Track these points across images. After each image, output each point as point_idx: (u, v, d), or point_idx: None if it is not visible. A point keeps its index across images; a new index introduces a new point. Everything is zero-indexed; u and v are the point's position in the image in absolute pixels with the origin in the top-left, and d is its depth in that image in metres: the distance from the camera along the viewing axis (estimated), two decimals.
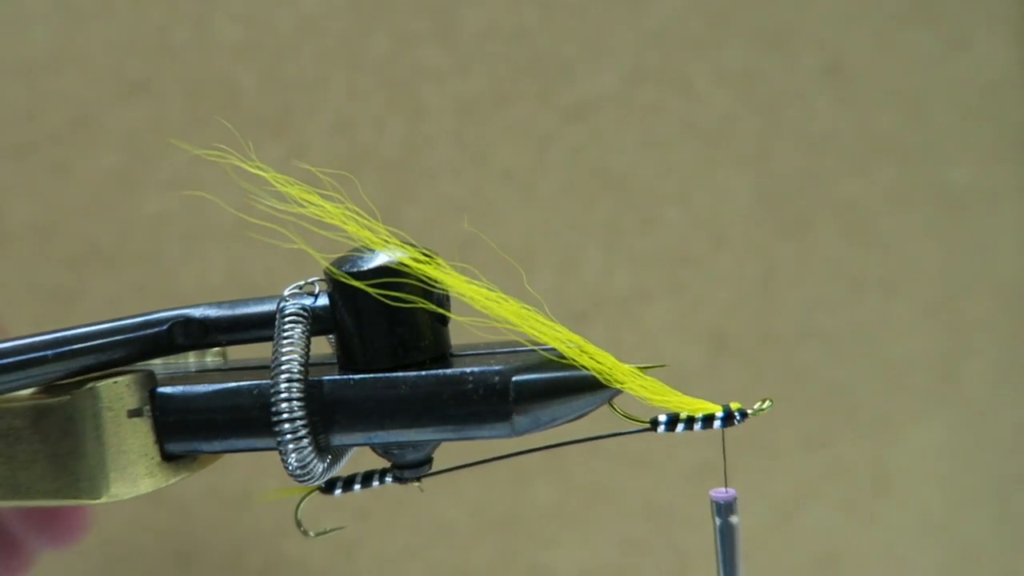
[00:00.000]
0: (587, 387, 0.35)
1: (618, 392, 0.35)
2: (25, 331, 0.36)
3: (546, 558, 0.73)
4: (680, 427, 0.35)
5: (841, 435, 0.76)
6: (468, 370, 0.34)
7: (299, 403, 0.33)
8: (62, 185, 0.69)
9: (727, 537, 0.36)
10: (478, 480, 0.73)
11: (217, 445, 0.36)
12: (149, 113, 0.70)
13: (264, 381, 0.35)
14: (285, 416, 0.33)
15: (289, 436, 0.33)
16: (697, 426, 0.35)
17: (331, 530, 0.41)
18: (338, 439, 0.35)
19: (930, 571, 0.77)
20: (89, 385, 0.34)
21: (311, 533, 0.41)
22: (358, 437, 0.35)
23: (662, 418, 0.35)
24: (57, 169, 0.70)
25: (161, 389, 0.36)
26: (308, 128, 0.72)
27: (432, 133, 0.73)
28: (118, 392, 0.35)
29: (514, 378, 0.33)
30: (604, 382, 0.34)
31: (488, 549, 0.73)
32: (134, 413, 0.35)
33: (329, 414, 0.34)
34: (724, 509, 0.36)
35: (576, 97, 0.75)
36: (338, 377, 0.35)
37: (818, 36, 0.77)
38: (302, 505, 0.39)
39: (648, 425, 0.36)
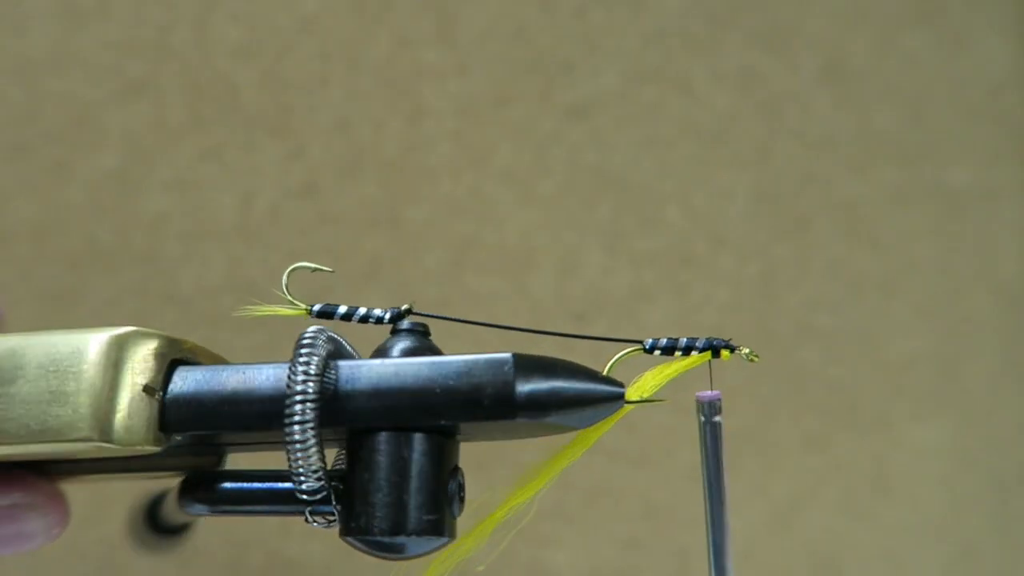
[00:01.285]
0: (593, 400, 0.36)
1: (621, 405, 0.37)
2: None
3: (546, 558, 0.73)
4: (671, 353, 0.38)
5: (841, 435, 0.76)
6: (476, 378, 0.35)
7: (314, 388, 0.34)
8: (62, 185, 0.69)
9: (712, 437, 0.39)
10: (478, 479, 0.73)
11: (219, 431, 0.36)
12: (149, 113, 0.70)
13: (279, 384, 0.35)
14: (298, 401, 0.34)
15: (299, 443, 0.33)
16: (681, 352, 0.38)
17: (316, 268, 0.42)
18: (346, 423, 0.36)
19: (930, 571, 0.77)
20: (117, 333, 0.35)
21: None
22: (366, 422, 0.35)
23: (661, 341, 0.38)
24: (57, 169, 0.70)
25: (178, 375, 0.36)
26: (308, 128, 0.72)
27: (432, 133, 0.73)
28: (143, 356, 0.35)
29: (519, 388, 0.35)
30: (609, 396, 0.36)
31: (488, 549, 0.73)
32: (148, 390, 0.35)
33: (340, 399, 0.35)
34: (709, 408, 0.38)
35: (576, 97, 0.75)
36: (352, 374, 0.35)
37: (818, 36, 0.77)
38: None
39: (641, 346, 0.38)
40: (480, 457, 0.42)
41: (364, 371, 0.35)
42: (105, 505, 0.68)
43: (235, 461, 0.43)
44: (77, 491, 0.70)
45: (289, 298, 0.39)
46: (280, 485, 0.37)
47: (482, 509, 0.40)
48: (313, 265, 0.41)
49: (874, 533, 0.77)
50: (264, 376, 0.35)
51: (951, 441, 0.78)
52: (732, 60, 0.76)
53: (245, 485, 0.38)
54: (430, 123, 0.73)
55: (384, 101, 0.73)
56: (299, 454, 0.33)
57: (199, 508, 0.39)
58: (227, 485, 0.39)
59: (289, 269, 0.40)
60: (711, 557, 0.39)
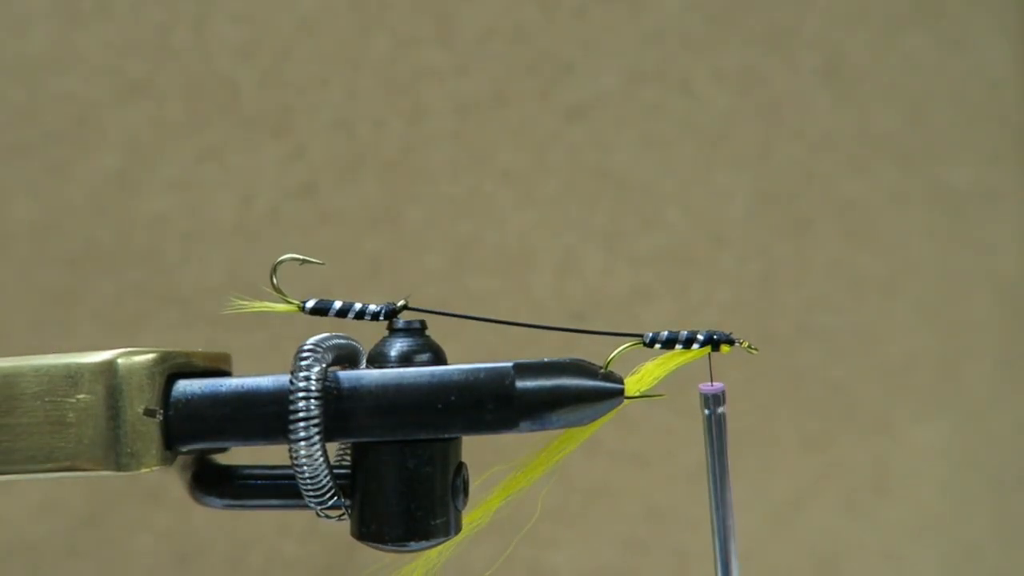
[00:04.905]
0: (593, 396, 0.36)
1: (621, 401, 0.37)
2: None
3: (546, 558, 0.73)
4: (671, 346, 0.38)
5: (841, 435, 0.76)
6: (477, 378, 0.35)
7: (316, 402, 0.34)
8: (62, 185, 0.69)
9: (716, 429, 0.38)
10: (476, 478, 0.73)
11: (225, 444, 0.36)
12: (149, 113, 0.70)
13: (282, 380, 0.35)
14: (302, 415, 0.33)
15: (303, 435, 0.33)
16: (681, 345, 0.38)
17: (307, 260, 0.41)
18: (350, 438, 0.36)
19: (930, 571, 0.77)
20: (108, 359, 0.34)
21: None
22: (370, 437, 0.35)
23: (661, 335, 0.38)
24: (57, 169, 0.70)
25: (177, 391, 0.36)
26: (308, 128, 0.72)
27: (432, 133, 0.73)
28: (139, 377, 0.35)
29: (520, 401, 0.34)
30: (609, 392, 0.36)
31: (488, 549, 0.73)
32: (148, 413, 0.35)
33: (343, 416, 0.35)
34: (712, 400, 0.38)
35: (576, 97, 0.75)
36: (355, 384, 0.35)
37: (818, 36, 0.77)
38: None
39: (641, 340, 0.38)
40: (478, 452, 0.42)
41: (364, 384, 0.35)
42: (105, 505, 0.68)
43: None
44: (77, 491, 0.70)
45: (280, 293, 0.39)
46: (294, 482, 0.37)
47: (481, 496, 0.40)
48: (302, 257, 0.40)
49: (874, 533, 0.77)
50: (265, 386, 0.35)
51: (951, 441, 0.77)
52: (732, 60, 0.76)
53: (258, 481, 0.38)
54: (430, 123, 0.73)
55: (384, 101, 0.73)
56: (304, 454, 0.33)
57: (212, 501, 0.39)
58: (240, 480, 0.39)
59: (277, 261, 0.39)
60: (717, 556, 0.39)
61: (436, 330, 0.39)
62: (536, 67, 0.74)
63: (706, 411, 0.38)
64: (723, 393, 0.38)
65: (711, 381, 0.38)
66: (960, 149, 0.78)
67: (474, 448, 0.39)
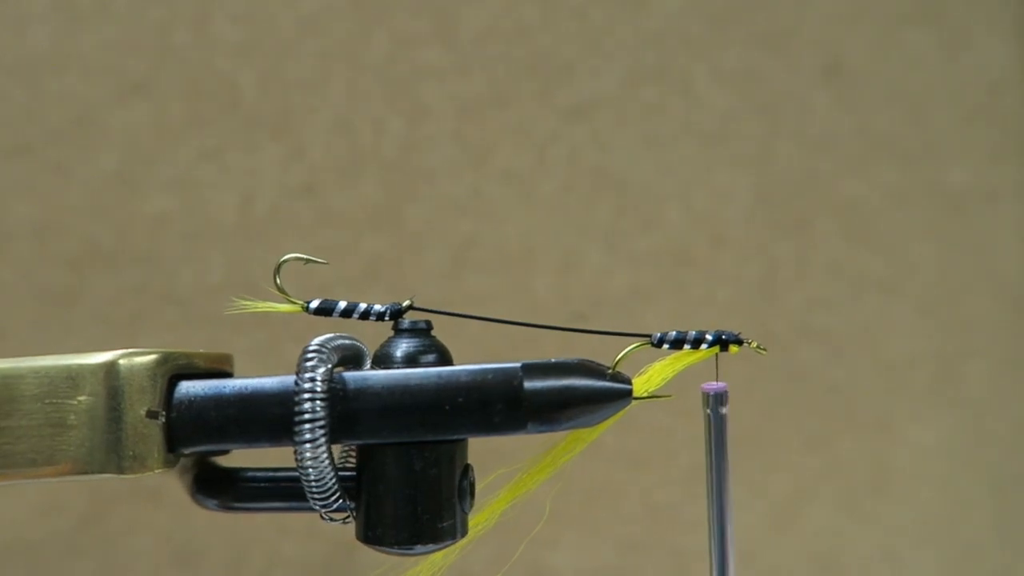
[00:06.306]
0: (601, 397, 0.36)
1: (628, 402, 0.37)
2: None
3: (546, 558, 0.73)
4: (679, 346, 0.38)
5: (841, 435, 0.76)
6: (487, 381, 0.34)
7: (321, 403, 0.33)
8: (62, 185, 0.69)
9: (717, 428, 0.38)
10: (480, 481, 0.73)
11: (228, 446, 0.36)
12: (149, 113, 0.70)
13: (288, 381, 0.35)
14: (307, 416, 0.33)
15: (308, 437, 0.33)
16: (690, 345, 0.38)
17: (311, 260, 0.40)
18: (356, 440, 0.35)
19: (930, 571, 0.77)
20: (110, 360, 0.34)
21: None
22: (376, 439, 0.35)
23: (670, 335, 0.38)
24: (57, 169, 0.69)
25: (180, 392, 0.35)
26: (308, 128, 0.72)
27: (432, 133, 0.73)
28: (140, 378, 0.34)
29: (528, 403, 0.34)
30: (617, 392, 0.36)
31: (488, 549, 0.73)
32: (151, 415, 0.34)
33: (349, 417, 0.35)
34: (714, 400, 0.38)
35: (576, 97, 0.75)
36: (361, 385, 0.35)
37: (818, 36, 0.77)
38: None
39: (648, 340, 0.38)
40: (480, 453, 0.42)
41: (371, 385, 0.35)
42: (105, 505, 0.68)
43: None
44: (77, 491, 0.70)
45: (283, 293, 0.39)
46: (297, 484, 0.37)
47: (485, 499, 0.40)
48: (306, 256, 0.40)
49: (874, 533, 0.77)
50: (269, 387, 0.35)
51: (951, 441, 0.77)
52: (732, 60, 0.76)
53: (261, 484, 0.38)
54: (430, 123, 0.73)
55: (384, 101, 0.73)
56: (309, 456, 0.33)
57: (214, 504, 0.39)
58: (243, 483, 0.38)
59: (280, 260, 0.39)
60: (713, 555, 0.39)
61: (437, 330, 0.39)
62: (536, 67, 0.74)
63: (708, 410, 0.38)
64: (725, 393, 0.38)
65: (718, 381, 0.38)
66: (960, 149, 0.78)
67: (475, 450, 0.39)
